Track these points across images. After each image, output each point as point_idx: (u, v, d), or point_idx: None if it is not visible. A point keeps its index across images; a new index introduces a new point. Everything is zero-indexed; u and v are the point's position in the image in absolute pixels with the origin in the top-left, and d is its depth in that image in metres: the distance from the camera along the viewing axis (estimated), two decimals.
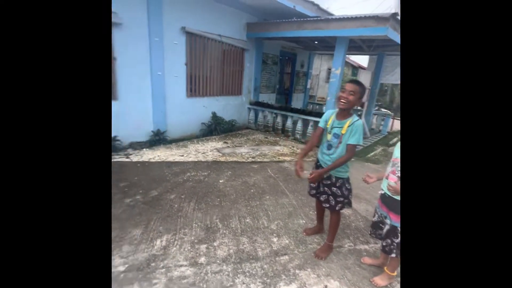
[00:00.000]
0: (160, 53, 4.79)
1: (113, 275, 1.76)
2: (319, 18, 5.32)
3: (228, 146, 5.22)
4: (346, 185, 2.02)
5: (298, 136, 6.11)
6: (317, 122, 4.65)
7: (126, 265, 1.86)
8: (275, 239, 2.34)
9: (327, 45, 7.65)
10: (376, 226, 1.95)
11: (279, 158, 4.70)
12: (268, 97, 7.84)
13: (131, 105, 4.59)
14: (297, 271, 1.97)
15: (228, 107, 6.55)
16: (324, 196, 2.07)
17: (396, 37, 4.63)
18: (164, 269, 1.87)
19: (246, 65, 6.76)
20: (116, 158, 4.04)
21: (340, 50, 5.17)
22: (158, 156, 4.32)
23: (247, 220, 2.61)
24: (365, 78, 6.82)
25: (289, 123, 6.34)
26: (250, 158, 4.57)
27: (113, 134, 4.38)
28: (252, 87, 7.14)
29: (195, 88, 5.67)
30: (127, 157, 4.14)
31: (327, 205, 2.07)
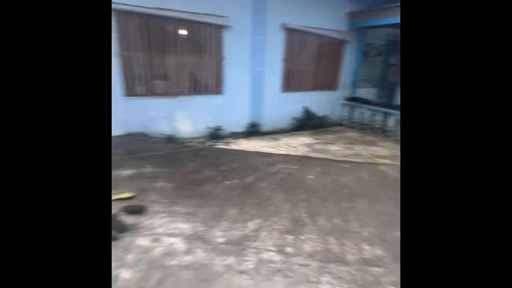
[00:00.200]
0: (261, 51, 5.11)
1: (213, 244, 2.06)
2: None
3: (319, 142, 5.10)
4: None
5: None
6: None
7: (225, 238, 2.15)
8: (367, 247, 2.16)
9: None
10: None
11: (376, 160, 4.25)
12: (367, 92, 7.14)
13: (233, 99, 5.14)
14: None
15: (321, 102, 6.37)
16: None
17: None
18: (254, 250, 2.05)
19: (345, 57, 6.35)
20: (218, 145, 4.64)
21: None
22: (253, 146, 4.68)
23: (336, 221, 2.51)
24: None
25: (391, 121, 5.60)
26: (342, 157, 4.34)
27: (217, 124, 5.03)
28: (350, 81, 6.66)
29: (290, 83, 5.78)
30: (227, 145, 4.69)
31: None
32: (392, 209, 2.75)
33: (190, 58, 4.66)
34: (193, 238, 2.10)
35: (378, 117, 5.88)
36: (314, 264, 1.94)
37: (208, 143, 4.73)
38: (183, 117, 4.82)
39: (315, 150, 4.60)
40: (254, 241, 2.15)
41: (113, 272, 1.70)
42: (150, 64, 4.41)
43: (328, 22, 5.75)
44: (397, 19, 4.93)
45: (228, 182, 3.16)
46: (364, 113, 6.21)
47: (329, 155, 4.41)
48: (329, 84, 6.38)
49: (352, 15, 5.91)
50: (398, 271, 1.91)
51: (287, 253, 2.03)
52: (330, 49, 6.06)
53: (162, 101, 4.59)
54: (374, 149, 4.85)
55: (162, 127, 4.64)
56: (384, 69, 7.48)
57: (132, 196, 2.62)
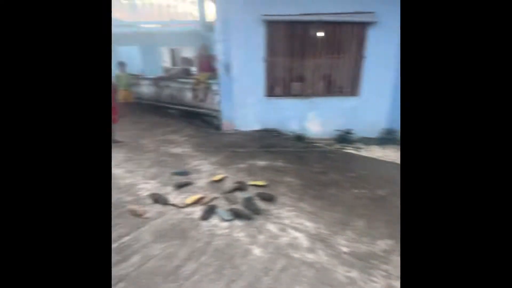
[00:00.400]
0: None
1: (336, 251, 1.99)
2: None
3: None
4: None
5: None
6: None
7: (349, 249, 2.03)
8: None
9: None
10: None
11: None
12: None
13: (369, 102, 4.71)
14: None
15: None
16: None
17: None
18: (384, 273, 1.81)
19: None
20: (347, 150, 4.41)
21: None
22: (387, 155, 4.12)
23: None
24: None
25: None
26: None
27: (347, 127, 4.78)
28: None
29: None
30: (357, 150, 4.37)
31: None
32: None
33: (327, 59, 4.66)
34: (316, 239, 2.12)
35: None
36: None
37: (336, 146, 4.59)
38: (314, 118, 4.91)
39: None
40: (384, 263, 1.90)
41: (246, 247, 2.00)
42: (290, 67, 4.77)
43: None
44: None
45: (355, 190, 2.95)
46: None
47: None
48: None
49: None
50: None
51: None
52: None
53: (296, 102, 4.87)
54: None
55: (293, 126, 4.94)
56: None
57: (265, 184, 2.95)
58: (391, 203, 2.69)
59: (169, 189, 2.88)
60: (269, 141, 4.55)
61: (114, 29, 7.56)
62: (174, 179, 3.11)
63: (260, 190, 2.83)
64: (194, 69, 6.58)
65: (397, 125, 4.74)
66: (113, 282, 1.66)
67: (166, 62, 8.89)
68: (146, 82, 6.69)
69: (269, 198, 2.65)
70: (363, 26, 4.40)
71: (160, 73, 7.54)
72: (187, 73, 6.03)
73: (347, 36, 4.53)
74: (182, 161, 3.66)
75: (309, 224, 2.29)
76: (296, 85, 4.88)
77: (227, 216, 2.34)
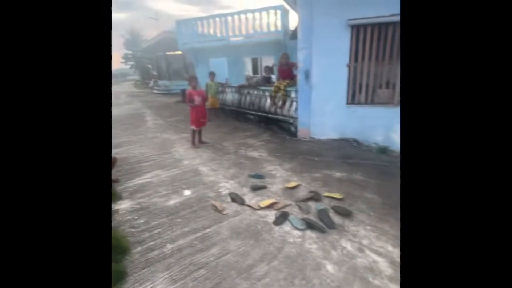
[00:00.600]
0: None
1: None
2: None
3: None
4: None
5: None
6: None
7: None
8: None
9: None
10: None
11: None
12: None
13: None
14: None
15: None
16: None
17: None
18: None
19: None
20: None
21: None
22: None
23: None
24: None
25: None
26: None
27: None
28: None
29: None
30: None
31: None
32: None
33: None
34: None
35: None
36: None
37: None
38: None
39: None
40: None
41: (319, 260, 1.92)
42: (376, 73, 4.37)
43: None
44: None
45: None
46: None
47: None
48: None
49: None
50: None
51: None
52: None
53: (381, 110, 4.41)
54: None
55: (376, 137, 4.49)
56: None
57: (341, 198, 2.78)
58: None
59: (245, 190, 3.07)
60: (347, 152, 4.27)
61: (208, 43, 8.65)
62: (250, 181, 3.29)
63: (336, 203, 2.69)
64: (274, 77, 6.84)
65: None
66: (194, 268, 1.88)
67: (249, 71, 9.54)
68: (230, 89, 7.35)
69: (345, 213, 2.49)
70: None
71: (243, 81, 8.15)
72: (267, 81, 6.31)
73: None
74: (258, 165, 3.83)
75: (392, 250, 2.03)
76: (382, 92, 4.43)
77: (300, 225, 2.32)
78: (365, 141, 4.55)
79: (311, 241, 2.14)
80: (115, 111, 9.56)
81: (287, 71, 5.39)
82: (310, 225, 2.31)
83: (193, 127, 4.69)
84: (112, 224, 2.41)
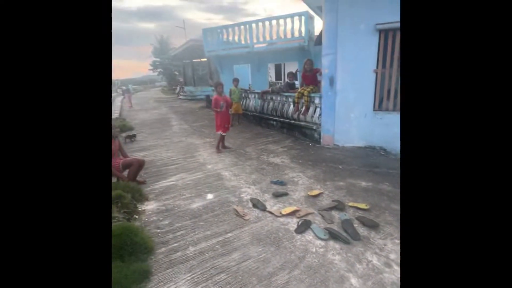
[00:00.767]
0: None
1: None
2: None
3: None
4: None
5: None
6: None
7: None
8: None
9: None
10: None
11: None
12: None
13: None
14: None
15: None
16: None
17: None
18: None
19: None
20: None
21: None
22: None
23: None
24: None
25: None
26: None
27: None
28: None
29: None
30: None
31: None
32: None
33: None
34: None
35: None
36: None
37: None
38: None
39: None
40: None
41: (342, 273, 1.85)
42: None
43: None
44: None
45: None
46: None
47: None
48: None
49: None
50: None
51: None
52: None
53: None
54: None
55: None
56: None
57: (367, 208, 2.67)
58: None
59: (267, 196, 3.06)
60: (374, 160, 4.11)
61: (233, 51, 8.85)
62: (272, 187, 3.28)
63: (361, 214, 2.58)
64: (297, 83, 6.81)
65: None
66: (215, 271, 1.89)
67: (272, 77, 9.60)
68: (253, 95, 7.43)
69: (371, 224, 2.38)
70: None
71: (266, 87, 8.20)
72: (291, 87, 6.30)
73: None
74: (280, 171, 3.81)
75: None
76: None
77: (322, 234, 2.25)
78: (393, 150, 4.34)
79: (334, 252, 2.07)
80: (144, 116, 10.06)
81: (311, 77, 5.34)
82: (333, 235, 2.23)
83: (220, 132, 4.79)
84: (139, 224, 2.52)
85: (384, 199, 2.90)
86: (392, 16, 3.90)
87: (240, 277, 1.84)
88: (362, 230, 2.33)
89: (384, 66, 4.28)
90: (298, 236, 2.28)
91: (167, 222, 2.58)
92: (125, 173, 3.42)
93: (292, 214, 2.62)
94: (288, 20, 7.24)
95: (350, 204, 2.77)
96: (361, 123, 4.59)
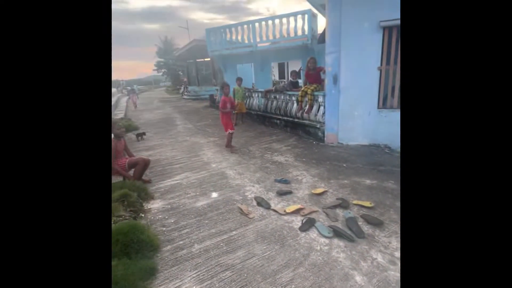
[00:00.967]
0: None
1: None
2: None
3: None
4: None
5: None
6: None
7: None
8: None
9: None
10: None
11: None
12: None
13: None
14: None
15: None
16: None
17: None
18: None
19: None
20: None
21: None
22: None
23: None
24: None
25: None
26: None
27: None
28: None
29: None
30: None
31: None
32: None
33: None
34: None
35: None
36: None
37: None
38: None
39: None
40: None
41: (347, 270, 1.85)
42: None
43: None
44: None
45: None
46: None
47: None
48: None
49: None
50: None
51: None
52: None
53: None
54: None
55: None
56: None
57: (372, 206, 2.66)
58: None
59: (271, 194, 3.07)
60: (378, 158, 4.08)
61: (236, 50, 8.86)
62: (276, 186, 3.29)
63: (365, 212, 2.58)
64: (301, 81, 6.79)
65: None
66: (220, 269, 1.91)
67: (275, 75, 9.59)
68: (257, 94, 7.43)
69: (376, 222, 2.37)
70: None
71: (269, 86, 8.20)
72: (294, 86, 6.29)
73: None
74: (284, 170, 3.81)
75: None
76: None
77: (326, 232, 2.26)
78: (398, 148, 4.31)
79: (339, 250, 2.07)
80: (149, 116, 10.14)
81: (315, 76, 5.33)
82: (337, 233, 2.24)
83: (229, 130, 4.81)
84: (145, 222, 2.55)
85: (389, 197, 2.88)
86: (396, 13, 3.86)
87: (245, 275, 1.86)
88: (366, 228, 2.33)
89: (388, 63, 4.25)
90: (303, 234, 2.29)
91: (172, 220, 2.61)
92: (131, 172, 3.47)
93: (296, 212, 2.62)
94: (291, 18, 7.22)
95: (355, 202, 2.76)
96: (365, 121, 4.57)
